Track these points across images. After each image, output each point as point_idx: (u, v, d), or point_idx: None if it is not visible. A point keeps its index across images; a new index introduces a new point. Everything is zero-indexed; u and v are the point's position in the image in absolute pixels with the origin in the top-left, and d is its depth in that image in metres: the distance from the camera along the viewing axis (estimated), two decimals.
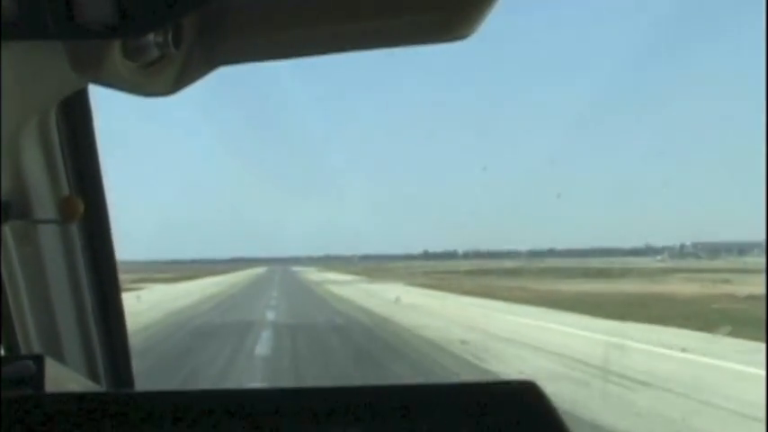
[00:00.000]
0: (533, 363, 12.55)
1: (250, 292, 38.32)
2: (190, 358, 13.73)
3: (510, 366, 11.92)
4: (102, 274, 2.02)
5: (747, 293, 23.25)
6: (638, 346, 14.31)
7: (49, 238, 1.87)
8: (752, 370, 11.41)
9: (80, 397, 1.58)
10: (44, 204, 1.81)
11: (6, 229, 1.75)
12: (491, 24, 1.49)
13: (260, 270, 76.69)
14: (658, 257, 69.06)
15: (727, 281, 32.09)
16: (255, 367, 12.98)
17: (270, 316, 22.60)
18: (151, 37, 1.47)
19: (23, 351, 1.84)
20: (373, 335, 17.64)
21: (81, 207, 1.79)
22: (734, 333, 15.39)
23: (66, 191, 1.88)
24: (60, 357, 1.87)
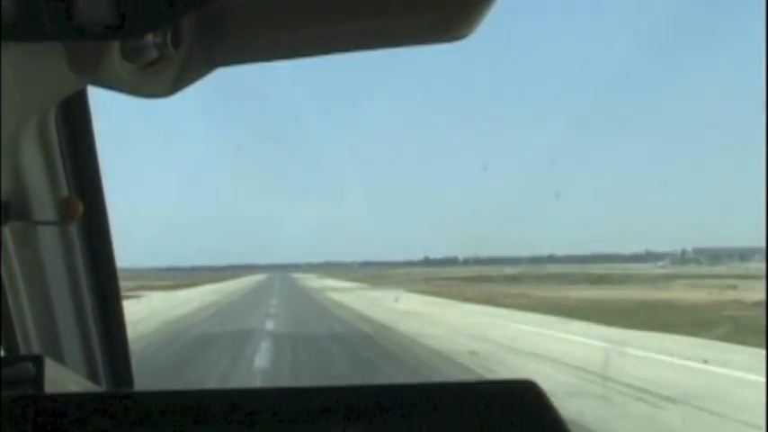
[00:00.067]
0: (554, 377, 11.80)
1: (249, 299, 38.12)
2: (186, 370, 13.46)
3: None
4: (101, 275, 2.02)
5: (756, 300, 22.72)
6: (657, 357, 13.80)
7: (48, 238, 1.88)
8: None
9: (80, 397, 1.58)
10: (43, 205, 1.81)
11: (6, 229, 1.76)
12: (491, 24, 1.50)
13: (260, 277, 76.48)
14: (659, 263, 68.98)
15: (732, 287, 31.83)
16: (254, 383, 12.53)
17: (269, 325, 22.22)
18: (150, 38, 1.48)
19: (23, 351, 1.84)
20: (378, 346, 17.06)
21: (80, 208, 1.79)
22: (751, 342, 14.73)
23: (65, 192, 1.88)
24: (60, 358, 1.87)
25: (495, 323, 21.43)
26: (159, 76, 1.58)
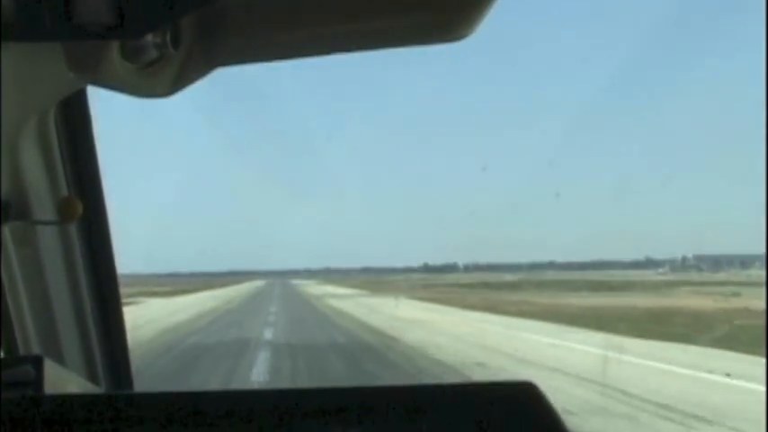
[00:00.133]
0: (571, 392, 11.04)
1: (249, 306, 37.96)
2: (181, 381, 12.90)
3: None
4: (101, 276, 2.02)
5: (763, 308, 22.14)
6: (678, 370, 13.17)
7: (48, 238, 1.88)
8: None
9: (79, 398, 1.57)
10: (43, 205, 1.81)
11: (6, 229, 1.76)
12: (490, 24, 1.50)
13: (259, 283, 76.34)
14: (660, 270, 69.05)
15: (736, 294, 31.60)
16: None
17: (268, 335, 21.59)
18: (150, 38, 1.48)
19: (23, 352, 1.84)
20: (381, 357, 16.45)
21: (80, 208, 1.79)
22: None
23: (64, 192, 1.88)
24: (60, 358, 1.87)
25: (501, 332, 20.74)
26: (159, 76, 1.58)
